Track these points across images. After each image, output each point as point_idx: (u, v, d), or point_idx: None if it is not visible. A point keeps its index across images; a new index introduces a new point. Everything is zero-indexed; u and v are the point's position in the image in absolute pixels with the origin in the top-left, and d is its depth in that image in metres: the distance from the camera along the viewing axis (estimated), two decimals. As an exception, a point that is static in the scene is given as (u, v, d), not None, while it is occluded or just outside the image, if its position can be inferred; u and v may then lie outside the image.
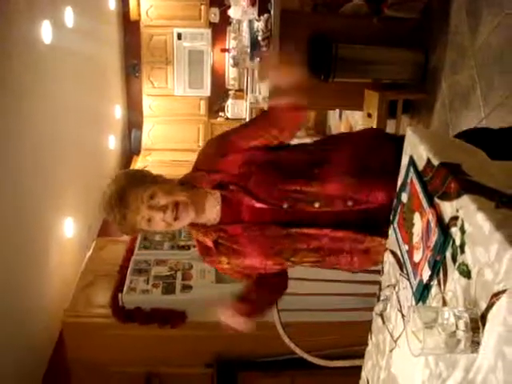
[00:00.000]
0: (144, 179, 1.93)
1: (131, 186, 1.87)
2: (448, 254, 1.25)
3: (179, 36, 9.10)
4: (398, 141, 1.80)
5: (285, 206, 1.92)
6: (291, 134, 2.07)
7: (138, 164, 8.98)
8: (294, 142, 2.14)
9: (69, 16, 5.85)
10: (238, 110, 8.94)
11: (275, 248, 1.98)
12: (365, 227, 1.94)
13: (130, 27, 9.03)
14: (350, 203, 1.91)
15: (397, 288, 1.61)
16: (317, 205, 1.91)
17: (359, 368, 2.08)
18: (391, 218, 1.72)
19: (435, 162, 1.39)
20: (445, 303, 1.26)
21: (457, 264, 1.20)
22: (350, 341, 2.39)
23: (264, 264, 2.05)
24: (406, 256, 1.52)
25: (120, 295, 4.25)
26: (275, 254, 2.00)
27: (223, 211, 1.99)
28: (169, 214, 1.86)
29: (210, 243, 2.04)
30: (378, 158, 1.97)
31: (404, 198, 1.58)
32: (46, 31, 5.02)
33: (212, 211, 1.99)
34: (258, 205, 1.93)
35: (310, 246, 1.97)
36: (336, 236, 1.94)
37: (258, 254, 2.01)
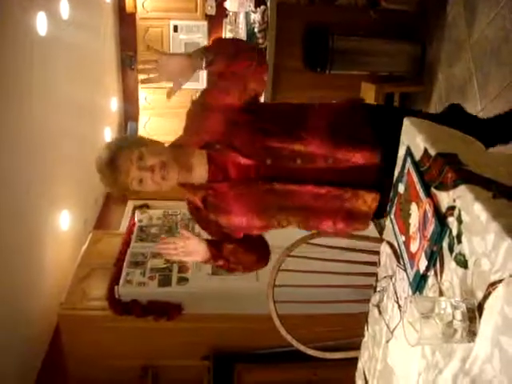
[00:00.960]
0: (133, 143, 2.03)
1: (121, 149, 1.97)
2: (445, 244, 1.25)
3: (175, 28, 9.05)
4: (372, 110, 2.04)
5: (268, 161, 2.01)
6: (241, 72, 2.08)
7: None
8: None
9: (64, 7, 5.80)
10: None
11: (260, 205, 2.06)
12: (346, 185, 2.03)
13: (125, 19, 8.98)
14: (330, 161, 2.00)
15: (393, 279, 1.61)
16: (299, 161, 2.01)
17: (356, 359, 2.09)
18: (388, 208, 1.72)
19: (432, 152, 1.38)
20: (441, 293, 1.26)
21: (454, 254, 1.20)
22: (347, 332, 2.39)
23: (250, 224, 2.12)
24: (402, 247, 1.52)
25: (116, 288, 4.25)
26: (261, 210, 2.08)
27: (210, 170, 2.07)
28: (157, 173, 1.95)
29: (199, 202, 2.12)
30: (353, 124, 2.07)
31: (401, 188, 1.58)
32: (41, 23, 4.99)
33: (200, 170, 2.07)
34: (243, 161, 2.02)
35: (294, 204, 2.05)
36: (319, 192, 2.02)
37: (245, 211, 2.08)
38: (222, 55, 2.05)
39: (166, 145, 2.12)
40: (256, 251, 2.32)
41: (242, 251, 2.23)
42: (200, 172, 2.07)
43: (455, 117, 2.33)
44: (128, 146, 1.99)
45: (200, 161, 2.06)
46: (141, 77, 2.07)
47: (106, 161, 1.95)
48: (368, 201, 2.03)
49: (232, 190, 2.06)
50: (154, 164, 1.95)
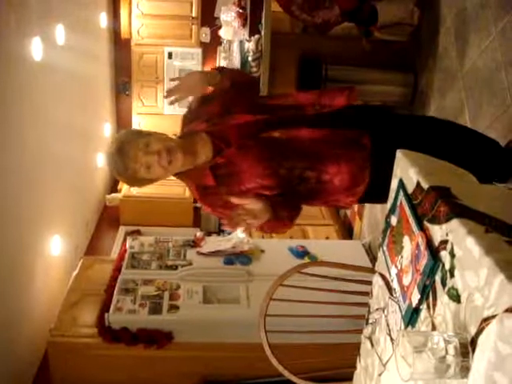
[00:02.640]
0: (139, 132, 2.21)
1: (129, 138, 2.14)
2: (437, 278, 1.25)
3: (170, 55, 9.12)
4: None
5: (265, 114, 2.26)
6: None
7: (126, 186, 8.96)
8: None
9: (60, 33, 5.84)
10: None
11: (266, 154, 2.21)
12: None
13: (120, 45, 9.05)
14: (317, 107, 2.30)
15: (386, 311, 1.60)
16: (292, 111, 2.30)
17: (347, 391, 2.07)
18: (380, 240, 1.72)
19: (425, 186, 1.39)
20: (434, 327, 1.25)
21: (446, 288, 1.20)
22: (339, 363, 2.37)
23: (263, 182, 2.22)
24: (395, 279, 1.51)
25: (106, 315, 4.20)
26: (268, 159, 2.21)
27: (214, 144, 2.22)
28: (163, 157, 2.09)
29: (210, 179, 2.23)
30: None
31: (393, 220, 1.58)
32: (36, 48, 5.01)
33: (204, 151, 2.22)
34: (243, 118, 2.24)
35: (295, 149, 2.24)
36: (314, 136, 2.25)
37: (254, 168, 2.21)
38: (231, 73, 2.45)
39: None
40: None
41: (285, 200, 2.31)
42: (205, 153, 2.22)
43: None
44: (136, 135, 2.17)
45: (203, 143, 2.22)
46: (169, 99, 2.36)
47: (115, 150, 2.10)
48: (363, 142, 2.25)
49: (238, 150, 2.21)
50: (160, 149, 2.10)
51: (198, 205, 5.03)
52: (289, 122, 2.26)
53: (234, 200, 2.13)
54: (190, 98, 2.40)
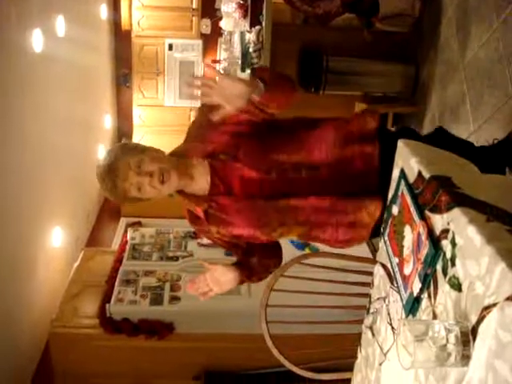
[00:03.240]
0: (133, 149, 2.01)
1: (121, 155, 1.97)
2: (438, 267, 1.25)
3: (170, 47, 9.10)
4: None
5: (273, 175, 2.01)
6: (280, 106, 2.10)
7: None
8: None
9: (60, 25, 5.83)
10: (228, 121, 8.93)
11: (262, 220, 2.05)
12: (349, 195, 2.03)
13: (121, 37, 9.03)
14: (332, 169, 2.01)
15: (387, 301, 1.61)
16: (304, 172, 2.01)
17: (348, 381, 2.07)
18: (381, 230, 1.72)
19: (426, 175, 1.39)
20: (435, 316, 1.26)
21: (447, 277, 1.20)
22: (340, 353, 2.37)
23: (252, 234, 2.10)
24: (396, 269, 1.51)
25: (108, 306, 4.22)
26: (262, 225, 2.06)
27: (213, 181, 2.05)
28: (156, 179, 1.93)
29: (200, 213, 2.10)
30: (358, 129, 2.10)
31: (395, 210, 1.58)
32: (36, 40, 5.00)
33: (201, 180, 2.06)
34: (248, 173, 2.01)
35: (296, 219, 2.05)
36: (322, 205, 2.01)
37: (246, 224, 2.07)
38: (275, 93, 2.01)
39: (167, 153, 2.10)
40: (273, 252, 2.33)
41: (265, 257, 2.25)
42: (201, 182, 2.06)
43: (446, 139, 2.33)
44: (128, 152, 1.98)
45: (202, 171, 2.05)
46: (190, 91, 1.94)
47: (106, 167, 1.95)
48: (371, 210, 1.99)
49: (234, 204, 2.05)
50: (153, 170, 1.94)
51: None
52: (297, 190, 2.01)
53: (206, 265, 2.10)
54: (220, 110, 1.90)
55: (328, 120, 2.17)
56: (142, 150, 2.01)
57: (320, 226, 2.07)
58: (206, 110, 2.06)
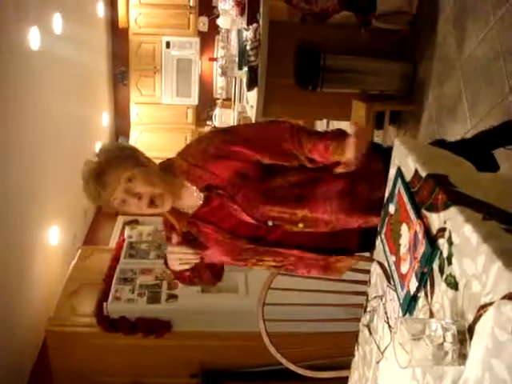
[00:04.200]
0: (126, 158, 1.88)
1: (112, 164, 1.84)
2: (435, 266, 1.25)
3: (168, 44, 9.10)
4: (386, 153, 1.81)
5: (270, 223, 1.94)
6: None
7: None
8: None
9: (57, 22, 5.82)
10: (225, 119, 8.94)
11: (238, 255, 2.03)
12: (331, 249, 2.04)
13: (118, 34, 9.02)
14: (330, 225, 1.95)
15: (384, 299, 1.61)
16: (301, 225, 1.94)
17: (345, 379, 2.07)
18: (378, 228, 1.72)
19: (422, 174, 1.39)
20: (432, 315, 1.26)
21: (444, 276, 1.20)
22: (337, 352, 2.38)
23: (223, 262, 2.11)
24: (393, 267, 1.51)
25: (105, 304, 4.22)
26: (239, 260, 2.05)
27: (202, 208, 1.96)
28: (143, 203, 1.83)
29: (178, 230, 1.98)
30: (367, 185, 1.96)
31: (391, 209, 1.58)
32: (34, 37, 5.00)
33: (189, 201, 1.96)
34: (244, 217, 1.92)
35: (275, 260, 2.06)
36: (303, 256, 2.03)
37: (222, 255, 2.04)
38: None
39: (163, 161, 2.01)
40: (215, 270, 2.23)
41: (203, 267, 2.13)
42: (189, 202, 1.96)
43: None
44: (121, 163, 1.85)
45: (194, 196, 1.95)
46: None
47: (94, 173, 1.82)
48: (348, 264, 2.11)
49: (216, 234, 1.98)
50: (143, 193, 1.83)
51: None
52: (283, 240, 1.99)
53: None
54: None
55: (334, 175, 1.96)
56: (136, 163, 1.88)
57: (295, 266, 2.10)
58: (219, 142, 1.95)
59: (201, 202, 1.96)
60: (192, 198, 1.95)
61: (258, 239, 1.99)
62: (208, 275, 2.19)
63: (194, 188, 1.94)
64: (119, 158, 1.87)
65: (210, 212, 1.97)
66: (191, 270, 2.04)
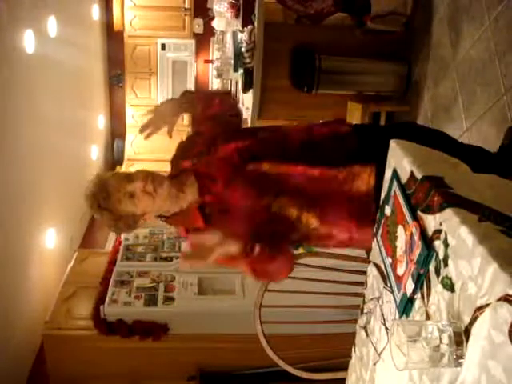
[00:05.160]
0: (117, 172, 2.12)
1: (108, 174, 2.01)
2: (431, 268, 1.25)
3: (163, 46, 9.09)
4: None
5: (247, 142, 2.09)
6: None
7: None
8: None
9: (52, 25, 5.81)
10: (221, 120, 8.91)
11: (256, 189, 2.01)
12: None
13: (113, 37, 9.01)
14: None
15: (380, 301, 1.61)
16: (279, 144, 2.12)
17: (343, 381, 2.07)
18: (374, 230, 1.72)
19: (418, 175, 1.39)
20: (428, 317, 1.26)
21: (440, 277, 1.20)
22: (334, 353, 2.38)
23: (255, 217, 2.01)
24: (389, 269, 1.52)
25: (102, 307, 4.21)
26: (258, 195, 2.00)
27: (199, 183, 2.04)
28: (149, 184, 1.92)
29: (199, 221, 2.04)
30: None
31: (387, 210, 1.58)
32: (28, 40, 4.99)
33: (191, 191, 2.03)
34: (225, 148, 2.06)
35: (289, 187, 2.00)
36: (312, 174, 2.00)
37: (244, 199, 2.01)
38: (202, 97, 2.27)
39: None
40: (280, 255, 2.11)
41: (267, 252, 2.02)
42: (192, 193, 2.03)
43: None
44: (115, 172, 2.05)
45: (189, 183, 2.04)
46: (144, 134, 2.17)
47: (94, 184, 1.93)
48: (365, 177, 1.98)
49: (225, 186, 2.02)
50: (144, 175, 1.94)
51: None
52: (283, 156, 2.04)
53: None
54: (166, 129, 2.22)
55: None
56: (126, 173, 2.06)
57: (319, 200, 2.01)
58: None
59: (196, 184, 2.04)
60: (191, 186, 2.03)
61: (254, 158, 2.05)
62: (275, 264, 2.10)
63: (187, 175, 2.05)
64: (112, 173, 2.08)
65: (204, 178, 2.05)
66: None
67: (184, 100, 2.28)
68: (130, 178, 1.93)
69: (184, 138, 2.29)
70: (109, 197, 1.89)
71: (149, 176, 1.95)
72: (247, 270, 2.05)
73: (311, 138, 2.12)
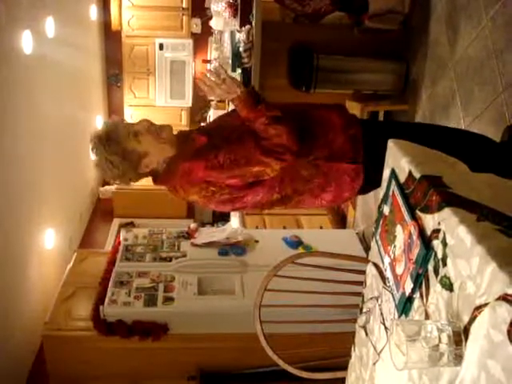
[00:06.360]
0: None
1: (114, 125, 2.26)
2: (430, 267, 1.25)
3: (161, 46, 9.08)
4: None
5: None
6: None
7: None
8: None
9: (50, 26, 5.81)
10: (219, 120, 8.91)
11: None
12: None
13: (111, 37, 9.00)
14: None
15: (380, 300, 1.61)
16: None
17: (342, 380, 2.08)
18: (373, 230, 1.73)
19: (417, 175, 1.39)
20: (427, 316, 1.26)
21: (439, 277, 1.21)
22: (334, 353, 2.38)
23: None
24: (388, 268, 1.52)
25: (101, 307, 4.20)
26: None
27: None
28: (152, 126, 2.21)
29: (202, 138, 2.23)
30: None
31: (386, 210, 1.58)
32: (26, 41, 4.98)
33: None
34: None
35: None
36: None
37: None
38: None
39: None
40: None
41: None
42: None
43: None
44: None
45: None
46: (202, 87, 2.18)
47: (104, 127, 2.23)
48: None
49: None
50: (147, 121, 2.23)
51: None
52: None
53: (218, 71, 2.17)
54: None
55: None
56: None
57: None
58: None
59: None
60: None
61: None
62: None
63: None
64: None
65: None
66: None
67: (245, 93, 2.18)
68: (134, 122, 2.24)
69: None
70: (118, 136, 2.14)
71: (152, 123, 2.23)
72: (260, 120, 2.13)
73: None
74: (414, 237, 1.32)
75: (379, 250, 1.63)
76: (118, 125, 2.21)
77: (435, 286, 1.22)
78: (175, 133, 2.30)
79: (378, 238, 1.66)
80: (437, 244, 1.22)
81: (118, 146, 2.14)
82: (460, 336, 1.09)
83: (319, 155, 2.22)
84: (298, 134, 2.14)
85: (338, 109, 2.38)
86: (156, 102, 9.38)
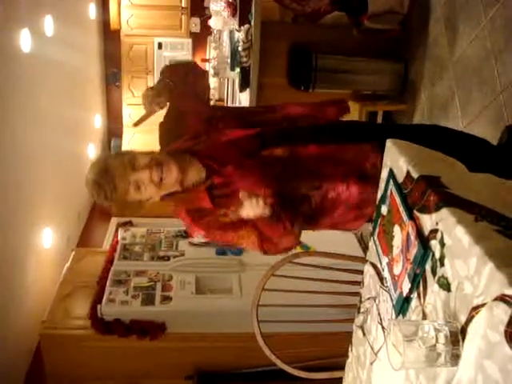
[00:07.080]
0: (119, 153, 2.06)
1: (111, 158, 1.97)
2: (428, 267, 1.25)
3: (160, 45, 9.07)
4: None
5: (257, 129, 2.09)
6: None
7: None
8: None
9: (48, 24, 5.79)
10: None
11: (268, 175, 2.01)
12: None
13: (110, 36, 8.99)
14: (309, 119, 2.19)
15: (377, 300, 1.61)
16: (285, 124, 2.16)
17: (340, 380, 2.08)
18: (371, 230, 1.73)
19: (415, 175, 1.39)
20: (425, 316, 1.26)
21: (436, 277, 1.21)
22: (331, 352, 2.38)
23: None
24: (386, 268, 1.52)
25: (99, 306, 4.20)
26: (270, 181, 1.99)
27: (205, 166, 2.03)
28: (154, 172, 1.89)
29: (207, 201, 2.04)
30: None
31: (384, 210, 1.58)
32: (24, 40, 4.97)
33: (196, 171, 2.02)
34: (233, 133, 2.06)
35: (301, 170, 2.04)
36: (323, 153, 2.06)
37: (255, 186, 1.96)
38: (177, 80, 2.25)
39: None
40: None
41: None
42: (197, 174, 2.02)
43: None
44: (117, 155, 1.98)
45: (192, 163, 2.02)
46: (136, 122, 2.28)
47: (98, 172, 1.89)
48: (372, 158, 2.05)
49: (236, 169, 2.02)
50: (148, 162, 1.90)
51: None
52: (291, 136, 2.08)
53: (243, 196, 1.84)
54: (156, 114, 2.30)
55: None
56: (127, 151, 2.02)
57: (328, 176, 2.04)
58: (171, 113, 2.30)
59: (199, 163, 2.03)
60: (196, 167, 2.02)
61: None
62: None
63: (188, 156, 2.03)
64: (113, 154, 2.08)
65: (210, 159, 2.04)
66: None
67: (161, 84, 2.29)
68: (134, 165, 1.89)
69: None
70: (115, 189, 1.87)
71: (152, 161, 1.91)
72: (255, 236, 2.06)
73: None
74: (412, 237, 1.32)
75: (377, 249, 1.62)
76: (113, 176, 1.88)
77: (433, 286, 1.22)
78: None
79: (375, 238, 1.66)
80: (434, 244, 1.22)
81: (117, 203, 1.96)
82: (457, 336, 1.09)
83: (322, 227, 2.24)
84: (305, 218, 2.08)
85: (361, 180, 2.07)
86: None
